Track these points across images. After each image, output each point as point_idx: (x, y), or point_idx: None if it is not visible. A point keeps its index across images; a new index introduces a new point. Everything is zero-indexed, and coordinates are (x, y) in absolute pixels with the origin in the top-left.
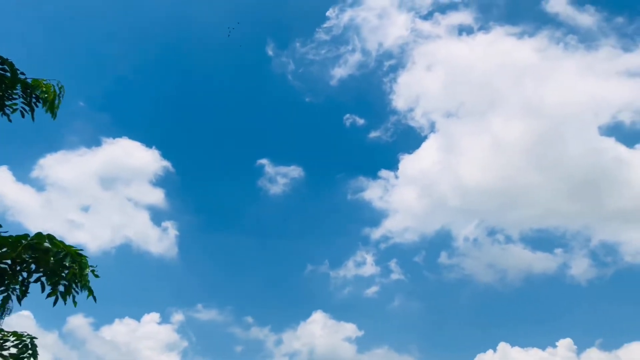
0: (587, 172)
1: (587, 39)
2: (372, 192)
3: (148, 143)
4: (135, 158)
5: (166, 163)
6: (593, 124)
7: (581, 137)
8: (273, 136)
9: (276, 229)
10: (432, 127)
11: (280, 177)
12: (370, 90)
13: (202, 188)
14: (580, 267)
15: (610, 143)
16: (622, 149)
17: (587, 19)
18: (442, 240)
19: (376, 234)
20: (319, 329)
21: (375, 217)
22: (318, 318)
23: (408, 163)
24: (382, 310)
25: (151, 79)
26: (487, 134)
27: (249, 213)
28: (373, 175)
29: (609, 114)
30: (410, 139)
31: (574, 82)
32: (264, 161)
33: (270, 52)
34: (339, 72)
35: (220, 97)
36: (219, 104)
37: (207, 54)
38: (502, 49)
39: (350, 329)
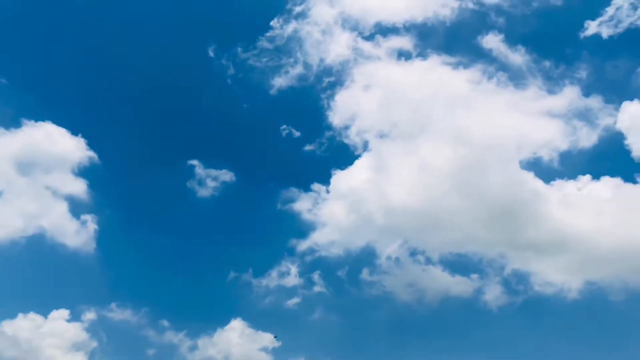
0: (506, 202)
1: (516, 78)
2: (302, 204)
3: (74, 131)
4: (58, 145)
5: (92, 153)
6: (515, 157)
7: (503, 169)
8: (206, 138)
9: (201, 233)
10: (366, 146)
11: (210, 180)
12: (309, 104)
13: (127, 183)
14: (493, 293)
15: (530, 177)
16: (539, 183)
17: (518, 58)
18: (366, 257)
19: (303, 245)
20: (236, 337)
21: (303, 229)
22: (236, 326)
23: (340, 179)
24: (302, 322)
25: (86, 67)
26: (416, 157)
27: (175, 214)
28: (305, 187)
29: (530, 150)
30: (344, 155)
31: (501, 116)
32: (194, 162)
33: (211, 53)
34: (279, 82)
35: (155, 92)
36: (153, 99)
37: (147, 47)
38: (437, 76)
39: (267, 338)
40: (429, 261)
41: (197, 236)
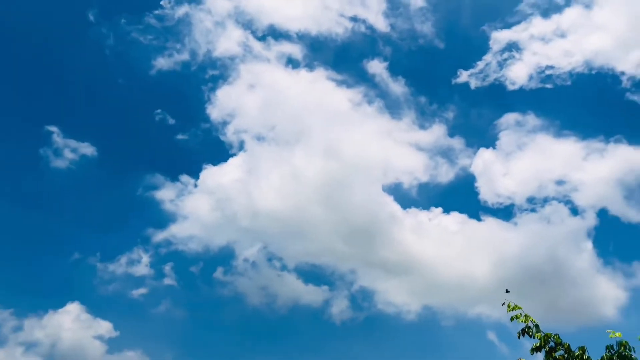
0: (365, 221)
1: (393, 107)
2: (166, 194)
3: None
4: None
5: None
6: (379, 180)
7: (367, 189)
8: (71, 105)
9: (49, 206)
10: (242, 146)
11: (68, 151)
12: (189, 92)
13: None
14: (339, 307)
15: (389, 201)
16: (397, 208)
17: (398, 88)
18: (223, 256)
19: (159, 236)
20: (69, 321)
21: (163, 219)
22: (73, 310)
23: (210, 174)
24: (146, 314)
25: None
26: (288, 165)
27: (21, 181)
28: (172, 177)
29: (394, 176)
30: (218, 151)
31: (373, 140)
32: (53, 129)
33: (91, 17)
34: (161, 64)
35: (20, 48)
36: (16, 55)
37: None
38: (321, 90)
39: (105, 327)
40: (284, 268)
41: (43, 208)
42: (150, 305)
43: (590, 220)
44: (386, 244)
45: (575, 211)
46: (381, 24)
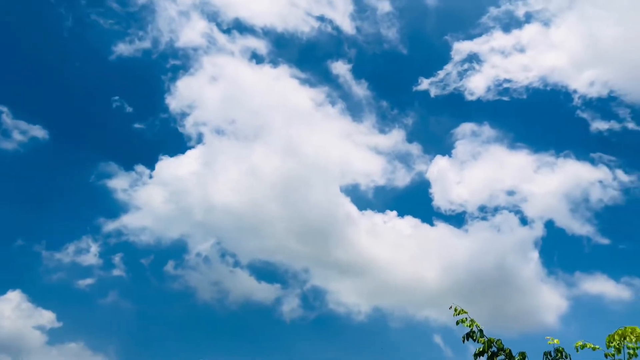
0: (321, 220)
1: (355, 109)
2: (119, 183)
3: None
4: None
5: None
6: (337, 181)
7: (324, 189)
8: (24, 86)
9: None
10: (200, 139)
11: (17, 133)
12: (148, 81)
13: None
14: (290, 305)
15: (346, 202)
16: (353, 209)
17: (360, 91)
18: (175, 250)
19: (110, 226)
20: (9, 309)
21: (114, 208)
22: (13, 297)
23: (166, 165)
24: (91, 305)
25: None
26: (247, 160)
27: None
28: (126, 166)
29: (352, 177)
30: (176, 143)
31: (333, 140)
32: (3, 109)
33: None
34: (121, 50)
35: None
36: None
37: None
38: (284, 87)
39: (47, 317)
40: (237, 264)
41: None
42: (97, 296)
43: (538, 230)
44: (340, 245)
45: (524, 221)
46: (347, 26)
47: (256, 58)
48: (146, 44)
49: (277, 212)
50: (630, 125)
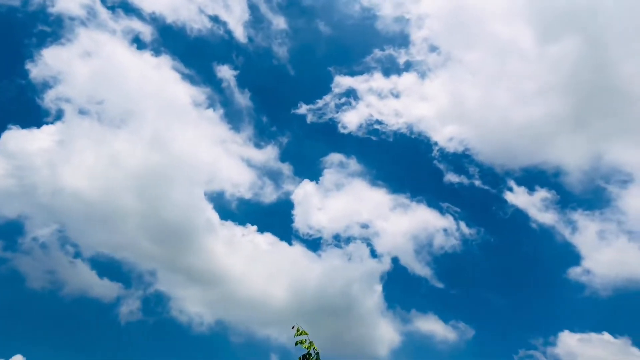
0: (179, 222)
1: (234, 117)
2: None
3: None
4: None
5: None
6: (203, 186)
7: (188, 191)
8: None
9: None
10: (60, 115)
11: None
12: (9, 42)
13: None
14: (130, 307)
15: (209, 208)
16: (215, 217)
17: (242, 101)
18: (8, 230)
19: None
20: None
21: None
22: None
23: (15, 136)
24: None
25: None
26: (108, 147)
27: None
28: None
29: (219, 185)
30: (32, 115)
31: (206, 144)
32: None
33: None
34: None
35: None
36: None
37: None
38: (163, 79)
39: None
40: (79, 255)
41: None
42: None
43: (385, 265)
44: (195, 251)
45: (374, 254)
46: (240, 33)
47: (138, 43)
48: (14, 1)
49: (133, 207)
50: (477, 183)
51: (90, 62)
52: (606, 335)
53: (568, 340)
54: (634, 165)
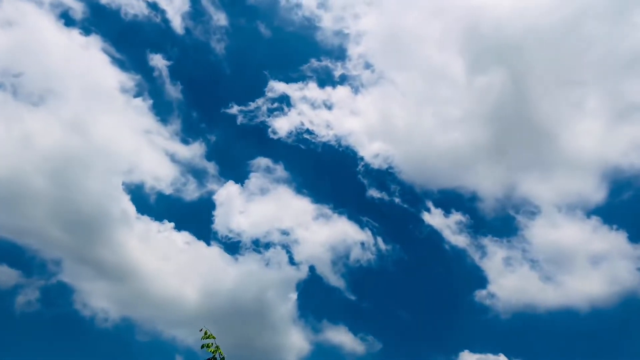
0: (93, 211)
1: (162, 109)
2: None
3: None
4: None
5: None
6: (121, 176)
7: (105, 179)
8: None
9: None
10: None
11: None
12: None
13: None
14: (27, 297)
15: (125, 200)
16: (131, 210)
17: (174, 93)
18: None
19: None
20: None
21: None
22: None
23: None
24: None
25: None
26: (22, 123)
27: None
28: None
29: (139, 177)
30: None
31: (130, 133)
32: None
33: None
34: None
35: None
36: None
37: None
38: (89, 58)
39: None
40: None
41: None
42: None
43: (302, 273)
44: (106, 243)
45: (292, 261)
46: (178, 24)
47: (66, 19)
48: None
49: (43, 190)
50: (397, 200)
51: (10, 31)
52: (502, 357)
53: (468, 359)
54: (542, 198)
